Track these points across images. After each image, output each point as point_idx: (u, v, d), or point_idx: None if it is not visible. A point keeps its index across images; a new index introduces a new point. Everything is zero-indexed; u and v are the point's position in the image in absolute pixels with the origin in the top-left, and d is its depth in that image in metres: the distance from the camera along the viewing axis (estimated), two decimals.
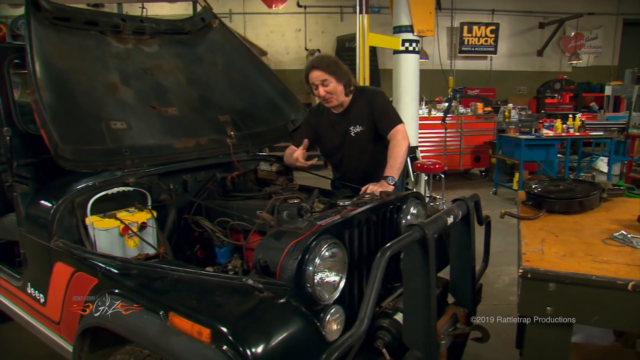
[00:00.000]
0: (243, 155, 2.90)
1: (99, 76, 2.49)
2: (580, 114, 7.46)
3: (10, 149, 2.10)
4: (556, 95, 10.82)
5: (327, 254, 1.64)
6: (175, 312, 1.44)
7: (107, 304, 1.66)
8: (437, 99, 9.69)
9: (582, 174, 6.99)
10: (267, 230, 1.83)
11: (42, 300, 2.16)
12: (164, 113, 2.65)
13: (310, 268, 1.58)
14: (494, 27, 11.66)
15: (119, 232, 2.03)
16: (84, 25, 2.56)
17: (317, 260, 1.60)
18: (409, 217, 2.28)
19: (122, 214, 2.09)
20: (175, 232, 2.46)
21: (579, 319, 1.64)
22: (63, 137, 1.94)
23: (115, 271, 1.74)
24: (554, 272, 1.59)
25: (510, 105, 8.98)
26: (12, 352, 3.15)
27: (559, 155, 7.27)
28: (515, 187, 6.85)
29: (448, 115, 7.85)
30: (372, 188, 2.40)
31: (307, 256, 1.58)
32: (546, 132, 6.67)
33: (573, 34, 12.11)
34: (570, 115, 7.05)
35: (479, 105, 8.51)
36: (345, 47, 12.34)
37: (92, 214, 2.06)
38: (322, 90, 2.66)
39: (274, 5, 12.02)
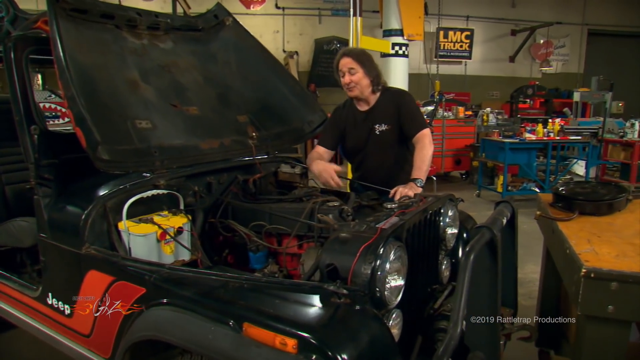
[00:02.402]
0: (264, 157, 2.82)
1: (120, 72, 2.36)
2: (560, 119, 7.75)
3: (38, 148, 1.95)
4: (528, 100, 11.19)
5: (395, 257, 1.60)
6: (250, 322, 1.36)
7: (163, 315, 1.56)
8: None
9: (562, 178, 7.24)
10: (330, 235, 1.77)
11: (67, 311, 2.01)
12: (185, 112, 2.54)
13: (381, 272, 1.54)
14: (468, 33, 11.95)
15: (157, 238, 1.92)
16: (100, 19, 2.42)
17: (387, 265, 1.56)
18: (447, 219, 2.27)
19: (157, 219, 1.97)
20: (201, 236, 2.36)
21: None
22: (101, 136, 1.81)
23: (168, 280, 1.63)
24: (618, 272, 1.62)
25: (488, 109, 9.22)
26: None
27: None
28: (499, 189, 7.02)
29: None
30: (402, 190, 2.37)
31: (378, 260, 1.54)
32: (529, 136, 6.88)
33: (542, 41, 12.59)
34: (550, 120, 7.31)
35: (460, 109, 8.69)
36: (323, 49, 12.34)
37: (120, 218, 1.94)
38: (347, 78, 2.64)
39: (252, 6, 11.92)
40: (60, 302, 2.04)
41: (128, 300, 1.70)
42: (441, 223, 2.24)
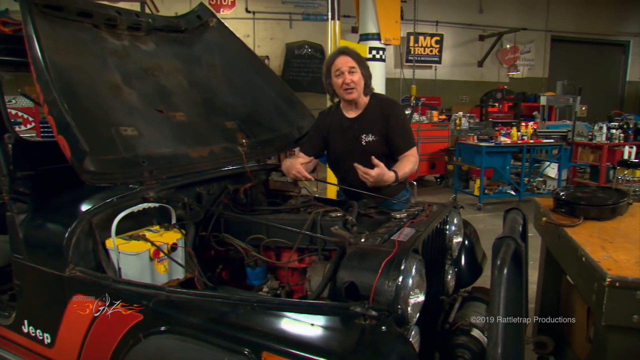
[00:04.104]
0: (254, 165, 2.67)
1: (100, 75, 2.17)
2: (533, 122, 7.91)
3: (13, 159, 1.74)
4: (497, 104, 11.41)
5: (416, 272, 1.50)
6: (270, 350, 1.23)
7: (166, 345, 1.40)
8: None
9: (536, 180, 7.37)
10: (346, 249, 1.65)
11: (47, 340, 1.80)
12: (172, 118, 2.37)
13: (404, 289, 1.44)
14: (438, 38, 12.10)
15: (150, 256, 1.74)
16: (77, 17, 2.23)
17: (410, 280, 1.46)
18: (453, 227, 2.20)
19: (149, 235, 1.80)
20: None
21: None
22: (88, 145, 1.63)
23: (169, 304, 1.46)
24: None
25: (461, 113, 9.33)
26: None
27: None
28: (476, 192, 7.07)
29: None
30: (379, 171, 2.30)
31: (401, 277, 1.43)
32: (504, 140, 6.97)
33: (509, 46, 12.91)
34: (524, 124, 7.45)
35: (434, 113, 8.75)
36: (295, 54, 12.22)
37: (108, 235, 1.76)
38: (348, 77, 2.50)
39: (222, 10, 11.66)
40: (38, 330, 1.83)
41: (122, 327, 1.53)
42: (447, 232, 2.16)
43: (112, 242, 1.71)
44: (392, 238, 1.64)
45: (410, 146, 2.57)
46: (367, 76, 2.58)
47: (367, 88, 2.60)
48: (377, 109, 2.61)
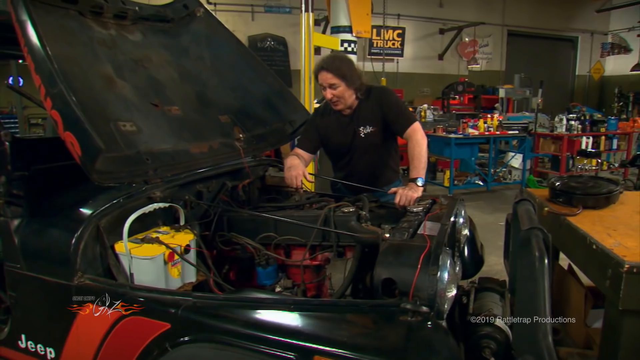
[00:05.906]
0: (252, 161, 2.58)
1: (93, 67, 2.03)
2: (498, 114, 8.16)
3: (11, 158, 1.57)
4: (458, 96, 11.70)
5: (450, 266, 1.49)
6: (322, 355, 1.17)
7: (201, 355, 1.32)
8: None
9: (502, 170, 7.62)
10: (379, 245, 1.61)
11: (50, 355, 1.66)
12: (167, 112, 2.25)
13: (443, 283, 1.42)
14: (400, 31, 12.24)
15: (164, 260, 1.64)
16: (62, 3, 2.06)
17: (446, 275, 1.44)
18: (461, 220, 2.21)
19: (162, 237, 1.69)
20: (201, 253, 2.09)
21: None
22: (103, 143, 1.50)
23: (200, 311, 1.38)
24: None
25: (425, 105, 9.48)
26: None
27: None
28: (446, 184, 7.21)
29: None
30: (403, 192, 2.27)
31: (439, 272, 1.42)
32: (472, 131, 7.15)
33: (468, 40, 13.25)
34: (490, 116, 7.67)
35: None
36: (257, 46, 12.01)
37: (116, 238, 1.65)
38: (329, 93, 2.50)
39: None
40: (39, 345, 1.68)
41: (144, 337, 1.42)
42: (457, 225, 2.17)
43: (124, 247, 1.59)
44: (418, 232, 1.62)
45: (409, 123, 2.56)
46: (354, 85, 2.52)
47: (358, 91, 2.56)
48: (371, 100, 2.62)
